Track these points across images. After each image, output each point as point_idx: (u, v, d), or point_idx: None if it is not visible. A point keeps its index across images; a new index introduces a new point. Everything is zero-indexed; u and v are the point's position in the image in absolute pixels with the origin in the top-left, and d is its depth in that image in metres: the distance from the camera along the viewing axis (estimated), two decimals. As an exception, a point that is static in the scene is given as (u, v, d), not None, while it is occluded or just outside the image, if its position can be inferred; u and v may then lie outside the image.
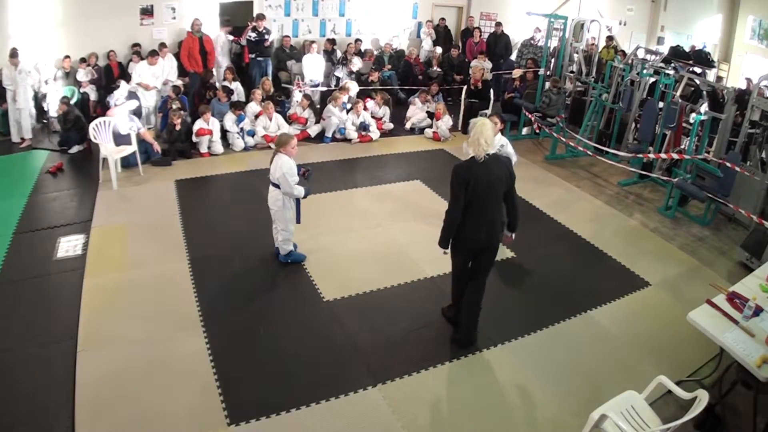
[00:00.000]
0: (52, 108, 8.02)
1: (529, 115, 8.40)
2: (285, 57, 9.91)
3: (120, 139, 6.81)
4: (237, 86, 8.72)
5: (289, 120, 8.33)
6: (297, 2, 10.29)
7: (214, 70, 9.01)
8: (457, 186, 3.58)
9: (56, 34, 8.37)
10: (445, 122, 8.73)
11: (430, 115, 9.14)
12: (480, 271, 3.89)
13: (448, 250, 3.82)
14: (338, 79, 9.38)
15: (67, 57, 8.38)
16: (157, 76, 8.25)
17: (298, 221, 4.91)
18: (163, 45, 8.57)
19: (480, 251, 3.81)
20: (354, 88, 8.93)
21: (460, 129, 9.07)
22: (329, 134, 8.33)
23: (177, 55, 8.78)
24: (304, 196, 4.79)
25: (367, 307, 4.48)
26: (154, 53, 8.22)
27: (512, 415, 3.49)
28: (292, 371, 3.75)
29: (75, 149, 7.47)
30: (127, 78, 8.30)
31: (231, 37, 9.34)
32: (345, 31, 10.92)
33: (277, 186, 4.67)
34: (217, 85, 8.53)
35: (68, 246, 5.19)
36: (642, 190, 7.23)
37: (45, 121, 8.17)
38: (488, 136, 3.54)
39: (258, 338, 4.06)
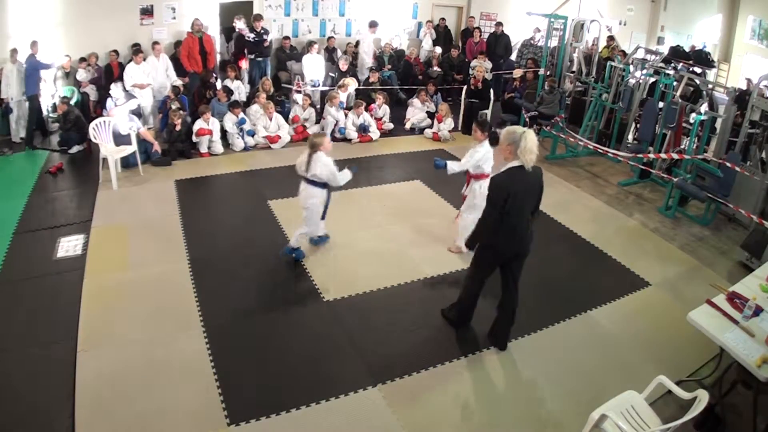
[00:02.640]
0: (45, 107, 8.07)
1: (526, 116, 8.42)
2: (285, 57, 9.91)
3: (120, 139, 6.81)
4: (239, 85, 8.72)
5: (291, 122, 8.33)
6: (297, 2, 10.29)
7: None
8: (497, 197, 3.51)
9: (56, 34, 8.37)
10: (447, 125, 8.74)
11: (430, 115, 9.15)
12: (514, 277, 3.87)
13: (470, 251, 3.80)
14: (333, 78, 9.38)
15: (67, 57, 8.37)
16: (147, 73, 8.24)
17: (323, 218, 5.04)
18: (156, 43, 8.51)
19: (512, 258, 3.80)
20: (353, 85, 8.91)
21: (460, 129, 9.07)
22: (328, 134, 8.33)
23: (175, 56, 8.78)
24: (353, 174, 4.97)
25: (367, 307, 4.48)
26: (137, 52, 8.18)
27: (512, 415, 3.49)
28: (292, 371, 3.75)
29: (75, 149, 7.47)
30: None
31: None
32: (345, 31, 10.92)
33: (316, 184, 4.79)
34: (218, 84, 8.52)
35: (68, 246, 5.19)
36: (642, 190, 7.23)
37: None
38: (534, 145, 3.46)
39: (258, 338, 4.06)
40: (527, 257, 3.83)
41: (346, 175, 4.87)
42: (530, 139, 3.43)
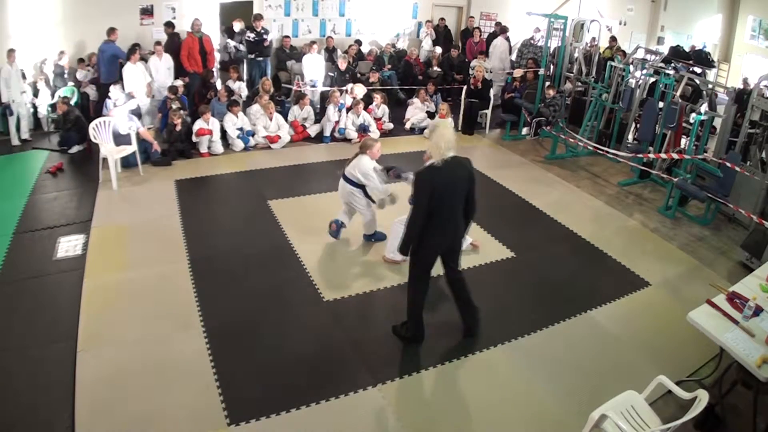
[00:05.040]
0: (43, 107, 8.08)
1: (529, 119, 8.41)
2: (285, 57, 9.91)
3: (120, 139, 6.81)
4: (240, 85, 8.71)
5: (291, 126, 8.32)
6: (297, 2, 10.29)
7: (214, 69, 9.02)
8: (421, 193, 3.54)
9: (56, 33, 8.37)
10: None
11: (430, 115, 9.14)
12: (451, 268, 3.95)
13: (408, 258, 3.81)
14: (332, 78, 9.37)
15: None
16: (143, 72, 8.21)
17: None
18: (157, 43, 8.50)
19: (444, 254, 3.85)
20: (361, 92, 8.87)
21: (459, 129, 9.07)
22: (327, 134, 8.34)
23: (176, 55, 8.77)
24: (390, 199, 5.19)
25: (367, 307, 4.48)
26: (132, 51, 8.04)
27: (512, 415, 3.49)
28: (292, 371, 3.75)
29: (75, 149, 7.47)
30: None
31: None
32: (345, 31, 10.92)
33: (352, 182, 5.08)
34: (218, 84, 8.52)
35: (68, 246, 5.19)
36: (642, 190, 7.23)
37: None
38: (449, 139, 3.48)
39: (258, 338, 4.06)
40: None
41: (386, 190, 5.04)
42: (439, 133, 3.45)
